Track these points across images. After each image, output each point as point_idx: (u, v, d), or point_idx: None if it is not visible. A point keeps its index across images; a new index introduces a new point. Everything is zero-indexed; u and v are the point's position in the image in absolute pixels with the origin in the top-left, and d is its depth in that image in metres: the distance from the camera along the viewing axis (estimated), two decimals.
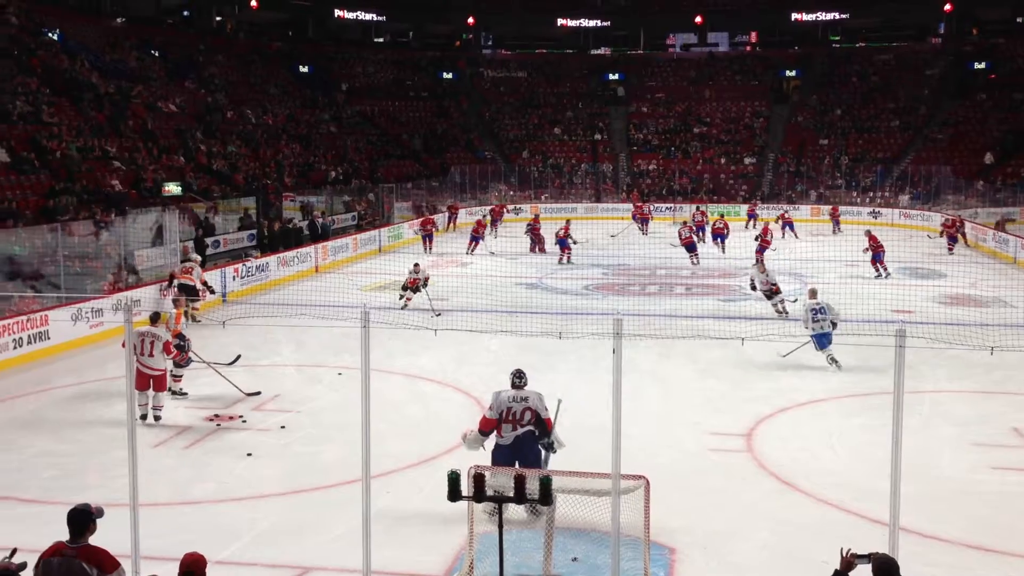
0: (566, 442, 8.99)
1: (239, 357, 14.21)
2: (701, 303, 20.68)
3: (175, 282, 18.79)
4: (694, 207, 37.04)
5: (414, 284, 20.19)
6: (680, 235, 28.36)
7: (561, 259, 27.97)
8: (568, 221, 29.48)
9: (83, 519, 5.49)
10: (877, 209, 41.32)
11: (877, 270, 24.82)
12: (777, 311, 18.88)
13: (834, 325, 14.60)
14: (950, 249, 30.30)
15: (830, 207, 39.63)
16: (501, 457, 8.61)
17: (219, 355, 14.37)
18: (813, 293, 15.37)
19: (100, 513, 5.57)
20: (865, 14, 53.84)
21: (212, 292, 19.83)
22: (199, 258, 20.95)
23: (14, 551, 5.53)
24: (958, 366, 14.67)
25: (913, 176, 43.41)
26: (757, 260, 22.34)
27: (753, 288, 19.66)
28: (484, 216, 34.14)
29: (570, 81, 56.02)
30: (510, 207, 42.09)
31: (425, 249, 30.86)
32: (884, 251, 25.02)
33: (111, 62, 37.20)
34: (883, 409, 11.40)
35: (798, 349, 14.94)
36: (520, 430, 8.65)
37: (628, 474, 7.09)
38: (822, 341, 14.67)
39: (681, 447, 11.14)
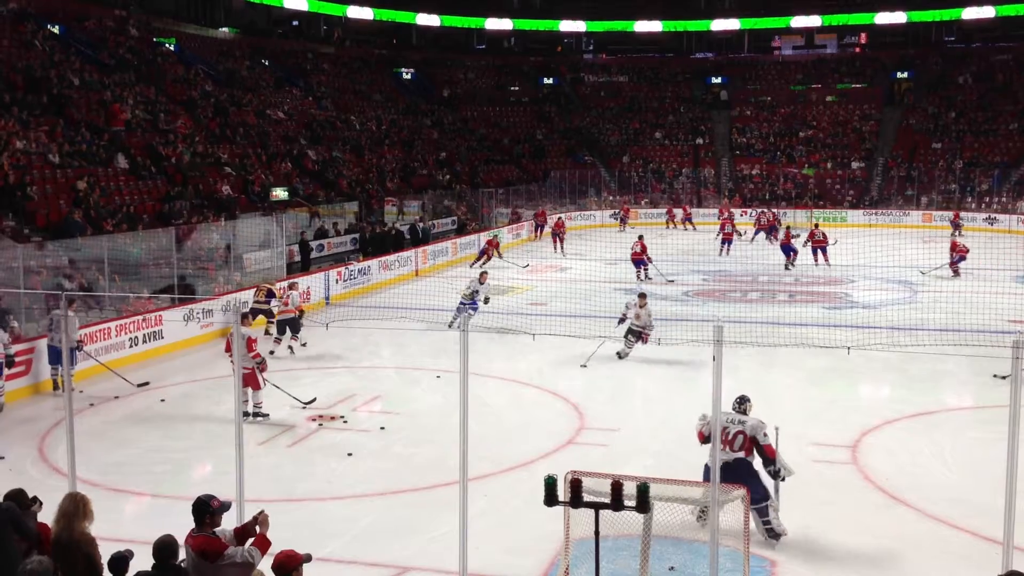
0: (793, 468, 8.75)
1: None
2: (805, 310, 20.23)
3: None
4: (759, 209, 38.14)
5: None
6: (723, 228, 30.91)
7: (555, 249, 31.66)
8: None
9: (200, 509, 5.87)
10: (993, 215, 39.68)
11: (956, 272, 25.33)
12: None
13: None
14: None
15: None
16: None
17: (322, 357, 14.70)
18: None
19: (225, 507, 5.96)
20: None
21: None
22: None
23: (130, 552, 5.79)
24: None
25: None
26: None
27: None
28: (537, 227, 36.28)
29: (672, 85, 55.51)
30: (609, 212, 42.12)
31: (555, 247, 32.39)
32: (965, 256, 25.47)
33: (224, 71, 38.52)
34: (997, 423, 10.97)
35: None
36: (730, 455, 8.30)
37: (728, 483, 6.98)
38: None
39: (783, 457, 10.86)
